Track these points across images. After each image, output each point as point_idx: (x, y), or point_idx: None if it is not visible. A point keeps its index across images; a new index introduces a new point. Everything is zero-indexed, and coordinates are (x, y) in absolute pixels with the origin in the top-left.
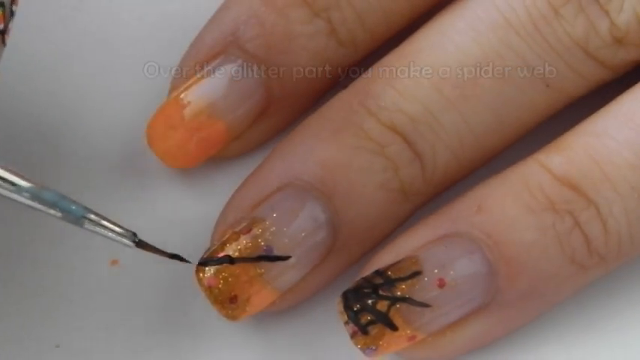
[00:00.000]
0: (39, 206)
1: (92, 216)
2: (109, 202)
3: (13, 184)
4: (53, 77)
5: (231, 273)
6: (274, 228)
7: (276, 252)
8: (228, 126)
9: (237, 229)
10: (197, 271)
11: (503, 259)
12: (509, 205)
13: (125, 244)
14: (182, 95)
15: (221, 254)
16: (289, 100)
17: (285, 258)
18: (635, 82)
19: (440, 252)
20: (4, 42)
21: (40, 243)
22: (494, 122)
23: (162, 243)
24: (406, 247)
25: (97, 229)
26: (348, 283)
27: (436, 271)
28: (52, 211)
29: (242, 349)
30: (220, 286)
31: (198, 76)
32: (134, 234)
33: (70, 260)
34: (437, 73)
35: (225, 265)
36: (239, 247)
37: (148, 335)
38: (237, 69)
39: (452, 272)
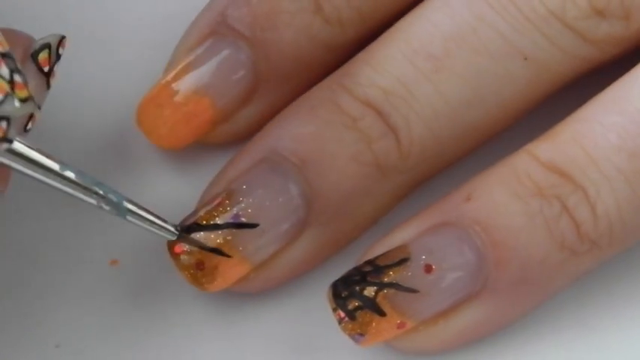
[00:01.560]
0: (79, 194)
1: (131, 206)
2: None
3: (55, 172)
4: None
5: (200, 240)
6: (244, 198)
7: (245, 220)
8: (216, 106)
9: (211, 204)
10: (168, 244)
11: (491, 244)
12: (497, 193)
13: (166, 236)
14: (172, 77)
15: (190, 222)
16: (277, 79)
17: (254, 225)
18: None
19: (428, 240)
20: (48, 85)
21: (40, 243)
22: (470, 95)
23: (153, 240)
24: (397, 238)
25: (136, 219)
26: None
27: (424, 257)
28: (91, 199)
29: (242, 348)
30: (187, 252)
31: (189, 58)
32: (177, 227)
33: (70, 260)
34: (410, 48)
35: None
36: (210, 218)
37: (147, 335)
38: (226, 49)
39: (440, 258)
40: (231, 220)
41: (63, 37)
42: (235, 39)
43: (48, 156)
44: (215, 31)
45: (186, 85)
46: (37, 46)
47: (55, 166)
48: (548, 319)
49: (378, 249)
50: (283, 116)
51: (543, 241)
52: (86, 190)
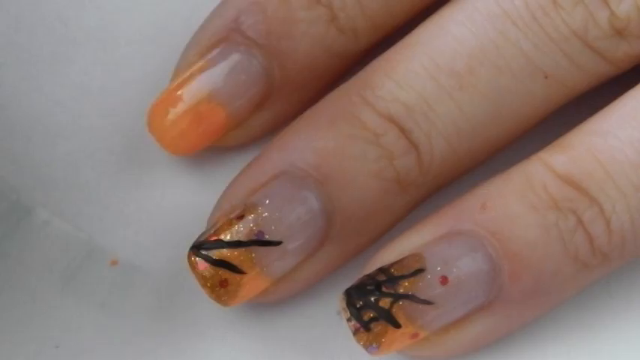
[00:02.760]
0: None
1: None
2: (111, 188)
3: None
4: (55, 70)
5: (222, 257)
6: (267, 214)
7: (269, 238)
8: (228, 113)
9: (231, 216)
10: (189, 255)
11: (506, 256)
12: (513, 204)
13: None
14: (183, 82)
15: (213, 239)
16: (290, 88)
17: (277, 243)
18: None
19: (443, 249)
20: None
21: None
22: (491, 112)
23: (162, 230)
24: (410, 244)
25: None
26: (350, 281)
27: (439, 268)
28: None
29: (242, 348)
30: (211, 269)
31: (200, 63)
32: None
33: (70, 260)
34: (433, 63)
35: (216, 249)
36: (231, 232)
37: (147, 335)
38: (239, 56)
39: (455, 270)
40: (255, 238)
41: None
42: (248, 46)
43: None
44: (227, 37)
45: (197, 90)
46: None
47: None
48: (548, 320)
49: (390, 254)
50: (302, 127)
51: (558, 254)
52: None
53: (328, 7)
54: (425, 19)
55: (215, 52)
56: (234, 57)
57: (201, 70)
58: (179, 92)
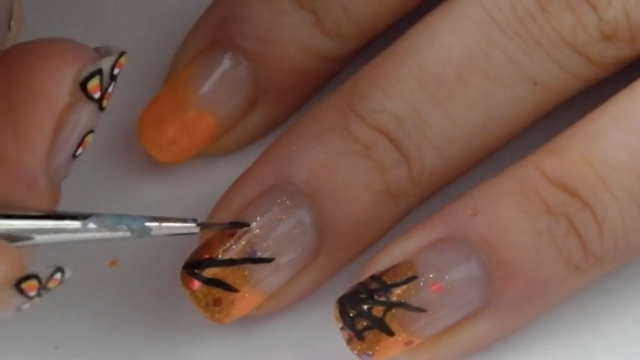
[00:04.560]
0: (106, 235)
1: (153, 224)
2: (99, 197)
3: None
4: None
5: (215, 276)
6: (258, 231)
7: (261, 255)
8: (217, 120)
9: (222, 233)
10: (182, 275)
11: (499, 262)
12: (505, 209)
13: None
14: (172, 89)
15: (205, 257)
16: (278, 92)
17: (269, 260)
18: (630, 80)
19: (435, 256)
20: (101, 107)
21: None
22: (481, 121)
23: (153, 240)
24: (402, 250)
25: (161, 231)
26: (344, 286)
27: (431, 275)
28: (118, 234)
29: (241, 350)
30: (204, 288)
31: (187, 70)
32: (194, 220)
33: (70, 260)
34: (422, 72)
35: (208, 267)
36: (223, 250)
37: (147, 335)
38: (225, 62)
39: (447, 277)
40: (248, 256)
41: (121, 55)
42: (235, 52)
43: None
44: (214, 43)
45: (184, 98)
46: (86, 73)
47: (77, 225)
48: (548, 320)
49: (382, 261)
50: (292, 140)
51: (550, 259)
52: (112, 231)
53: (312, 11)
54: (414, 16)
55: (201, 58)
56: (222, 63)
57: (189, 78)
58: (167, 100)
